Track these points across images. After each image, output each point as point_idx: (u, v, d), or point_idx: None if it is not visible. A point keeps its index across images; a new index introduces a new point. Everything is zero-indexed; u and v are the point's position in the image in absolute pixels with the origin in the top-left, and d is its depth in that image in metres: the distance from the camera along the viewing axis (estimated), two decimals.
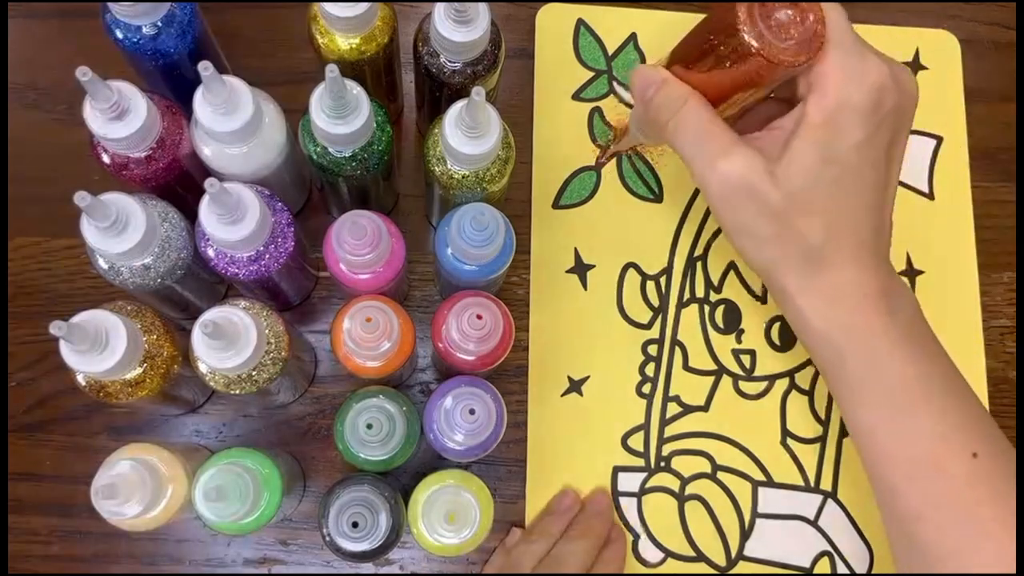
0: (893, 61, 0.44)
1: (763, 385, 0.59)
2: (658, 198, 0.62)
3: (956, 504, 0.43)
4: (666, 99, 0.45)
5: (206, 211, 0.44)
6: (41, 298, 0.57)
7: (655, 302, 0.60)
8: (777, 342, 0.60)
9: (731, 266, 0.61)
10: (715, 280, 0.61)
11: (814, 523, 0.58)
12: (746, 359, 0.60)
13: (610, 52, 0.64)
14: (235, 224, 0.44)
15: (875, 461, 0.46)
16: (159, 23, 0.48)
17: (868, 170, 0.44)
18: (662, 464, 0.58)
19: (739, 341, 0.60)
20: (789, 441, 0.59)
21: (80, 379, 0.47)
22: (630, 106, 0.62)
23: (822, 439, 0.59)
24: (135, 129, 0.45)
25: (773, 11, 0.41)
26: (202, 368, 0.47)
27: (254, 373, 0.47)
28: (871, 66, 0.42)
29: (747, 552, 0.57)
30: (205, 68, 0.42)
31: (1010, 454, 0.45)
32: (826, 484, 0.58)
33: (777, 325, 0.60)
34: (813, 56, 0.42)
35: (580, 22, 0.64)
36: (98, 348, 0.42)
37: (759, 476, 0.58)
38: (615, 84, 0.63)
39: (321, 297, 0.59)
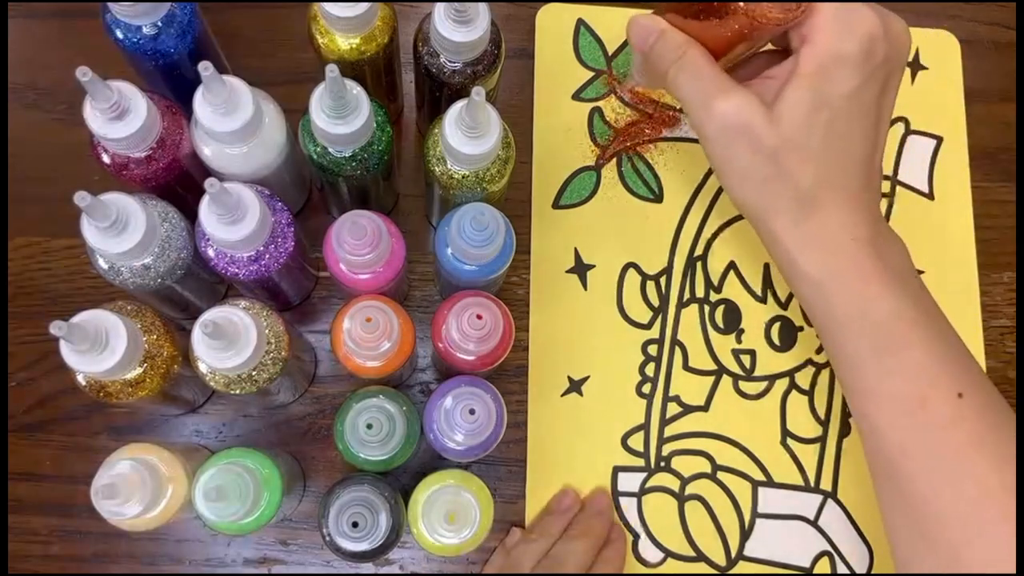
0: (885, 11, 0.45)
1: (763, 385, 0.59)
2: (658, 198, 0.62)
3: (941, 443, 0.44)
4: (665, 48, 0.46)
5: (206, 211, 0.44)
6: (41, 298, 0.57)
7: (655, 302, 0.60)
8: (777, 342, 0.60)
9: (731, 266, 0.61)
10: (715, 280, 0.61)
11: (814, 523, 0.58)
12: (746, 359, 0.60)
13: (610, 52, 0.64)
14: (235, 224, 0.44)
15: (861, 401, 0.46)
16: (159, 23, 0.48)
17: (859, 118, 0.45)
18: (662, 464, 0.58)
19: (739, 341, 0.60)
20: (789, 441, 0.59)
21: (80, 379, 0.47)
22: (631, 106, 0.62)
23: (822, 439, 0.59)
24: (135, 129, 0.45)
25: None
26: (202, 368, 0.47)
27: (254, 373, 0.47)
28: (862, 16, 0.43)
29: (747, 552, 0.57)
30: (205, 68, 0.42)
31: (994, 395, 0.45)
32: (826, 484, 0.58)
33: (777, 325, 0.60)
34: (799, 14, 0.42)
35: (580, 22, 0.64)
36: (98, 348, 0.42)
37: (759, 476, 0.58)
38: (615, 83, 0.63)
39: (321, 297, 0.59)
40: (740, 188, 0.46)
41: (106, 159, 0.48)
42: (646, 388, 0.59)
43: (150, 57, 0.49)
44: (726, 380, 0.59)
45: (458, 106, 0.46)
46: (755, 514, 0.58)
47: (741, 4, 0.41)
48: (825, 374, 0.60)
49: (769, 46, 0.48)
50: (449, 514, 0.48)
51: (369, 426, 0.46)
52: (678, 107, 0.62)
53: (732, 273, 0.61)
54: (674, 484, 0.58)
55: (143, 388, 0.46)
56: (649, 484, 0.58)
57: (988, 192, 0.64)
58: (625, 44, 0.64)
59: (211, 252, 0.47)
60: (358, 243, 0.45)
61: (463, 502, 0.49)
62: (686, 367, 0.59)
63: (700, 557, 0.57)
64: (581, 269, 0.60)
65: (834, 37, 0.43)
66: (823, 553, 0.57)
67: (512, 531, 0.56)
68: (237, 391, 0.47)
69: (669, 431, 0.58)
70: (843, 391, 0.48)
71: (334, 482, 0.49)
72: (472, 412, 0.46)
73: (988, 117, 0.65)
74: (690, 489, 0.58)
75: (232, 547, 0.56)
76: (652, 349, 0.59)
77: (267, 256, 0.47)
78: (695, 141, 0.62)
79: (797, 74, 0.44)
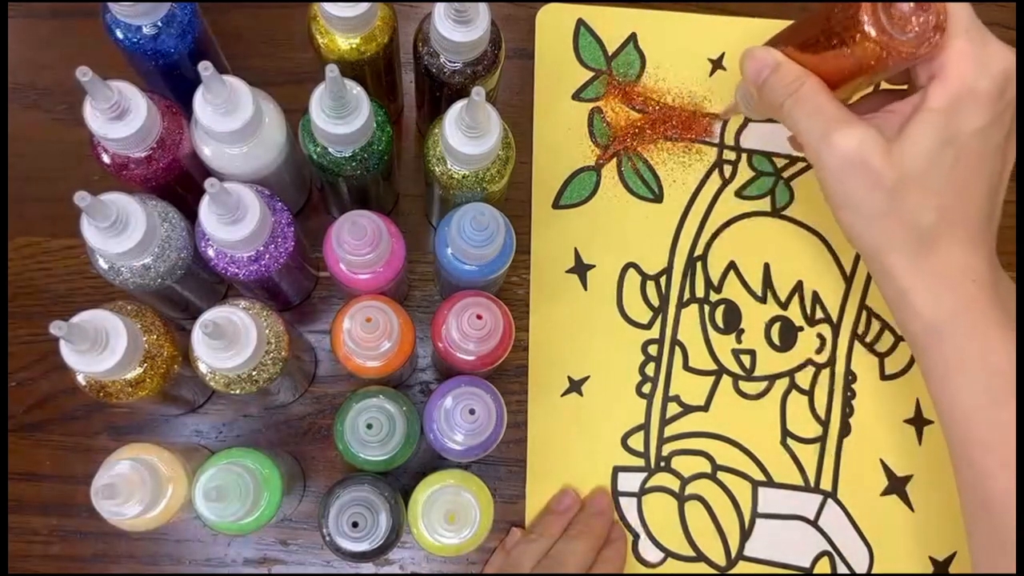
0: (1014, 49, 0.44)
1: (763, 385, 0.59)
2: (658, 198, 0.62)
3: None
4: (781, 81, 0.45)
5: (206, 211, 0.44)
6: (41, 298, 0.57)
7: (655, 302, 0.60)
8: (777, 342, 0.60)
9: (731, 266, 0.61)
10: (715, 280, 0.61)
11: (814, 523, 0.58)
12: (746, 359, 0.60)
13: (610, 52, 0.64)
14: (235, 224, 0.44)
15: (968, 446, 0.45)
16: (159, 23, 0.48)
17: (987, 156, 0.44)
18: (662, 464, 0.58)
19: (739, 341, 0.60)
20: (789, 441, 0.59)
21: (80, 379, 0.47)
22: (633, 107, 0.63)
23: (822, 439, 0.59)
24: (135, 129, 0.45)
25: (895, 2, 0.41)
26: (202, 368, 0.47)
27: (254, 373, 0.47)
28: (997, 53, 0.42)
29: (747, 552, 0.57)
30: (205, 68, 0.42)
31: None
32: (826, 484, 0.58)
33: (777, 325, 0.60)
34: (932, 48, 0.41)
35: (580, 22, 0.64)
36: (98, 348, 0.42)
37: (759, 476, 0.58)
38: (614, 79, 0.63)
39: (321, 297, 0.59)
40: (855, 223, 0.45)
41: (106, 159, 0.48)
42: (646, 388, 0.59)
43: (150, 57, 0.49)
44: (726, 380, 0.59)
45: (458, 106, 0.46)
46: (755, 514, 0.58)
47: (873, 34, 0.40)
48: (825, 374, 0.60)
49: (883, 84, 0.47)
50: (449, 514, 0.48)
51: (369, 426, 0.46)
52: (675, 107, 0.62)
53: (732, 273, 0.61)
54: (674, 484, 0.58)
55: (143, 388, 0.46)
56: (649, 484, 0.58)
57: None
58: (625, 44, 0.64)
59: (211, 252, 0.47)
60: (358, 243, 0.45)
61: (463, 502, 0.49)
62: (686, 367, 0.59)
63: (700, 557, 0.57)
64: (581, 269, 0.60)
65: (969, 73, 0.42)
66: (823, 553, 0.57)
67: (512, 531, 0.56)
68: (237, 391, 0.47)
69: (669, 431, 0.58)
70: (944, 432, 0.46)
71: (334, 482, 0.49)
72: (472, 412, 0.46)
73: None
74: (690, 489, 0.58)
75: (232, 547, 0.56)
76: (652, 349, 0.59)
77: (267, 256, 0.47)
78: (699, 142, 0.62)
79: (925, 108, 0.42)
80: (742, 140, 0.63)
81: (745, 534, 0.57)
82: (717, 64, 0.64)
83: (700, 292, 0.60)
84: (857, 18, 0.41)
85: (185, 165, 0.49)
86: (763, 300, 0.60)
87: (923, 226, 0.43)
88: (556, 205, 0.61)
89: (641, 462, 0.58)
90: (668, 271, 0.61)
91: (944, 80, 0.42)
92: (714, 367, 0.59)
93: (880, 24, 0.41)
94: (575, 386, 0.59)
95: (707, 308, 0.60)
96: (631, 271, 0.60)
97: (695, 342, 0.60)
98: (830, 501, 0.58)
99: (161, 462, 0.47)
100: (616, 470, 0.58)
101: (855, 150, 0.43)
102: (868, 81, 0.44)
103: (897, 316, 0.47)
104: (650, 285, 0.60)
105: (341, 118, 0.45)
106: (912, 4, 0.41)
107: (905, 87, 0.47)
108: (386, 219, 0.49)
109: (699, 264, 0.61)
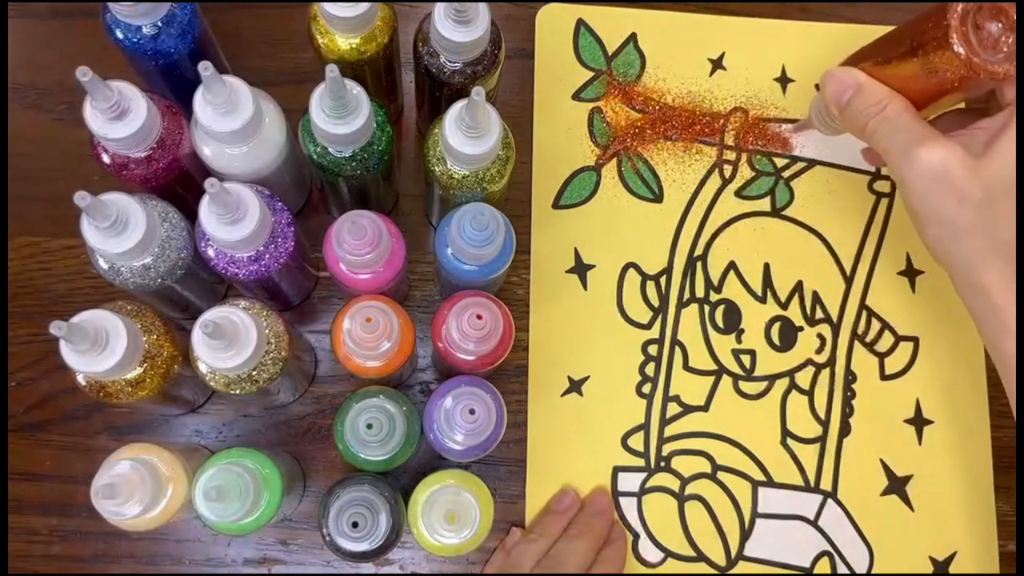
0: None
1: (763, 385, 0.59)
2: (658, 198, 0.62)
3: None
4: (864, 103, 0.45)
5: (206, 211, 0.44)
6: (41, 298, 0.57)
7: (655, 302, 0.60)
8: (777, 342, 0.60)
9: (731, 266, 0.61)
10: (715, 280, 0.61)
11: (814, 523, 0.58)
12: (746, 359, 0.60)
13: (610, 52, 0.64)
14: (235, 224, 0.44)
15: None
16: (159, 23, 0.48)
17: None
18: (662, 464, 0.58)
19: (739, 341, 0.60)
20: (789, 441, 0.59)
21: (80, 379, 0.47)
22: (633, 107, 0.63)
23: (822, 439, 0.59)
24: (135, 129, 0.45)
25: (984, 23, 0.41)
26: (202, 368, 0.47)
27: (254, 373, 0.47)
28: None
29: (747, 552, 0.57)
30: (205, 68, 0.42)
31: None
32: (826, 484, 0.58)
33: (777, 325, 0.60)
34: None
35: (580, 22, 0.64)
36: (98, 348, 0.42)
37: (759, 476, 0.58)
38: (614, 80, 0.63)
39: (321, 297, 0.59)
40: (942, 237, 0.45)
41: (106, 159, 0.48)
42: (646, 388, 0.59)
43: (150, 57, 0.49)
44: (726, 380, 0.59)
45: (458, 106, 0.46)
46: (755, 514, 0.58)
47: (963, 54, 0.40)
48: (825, 374, 0.60)
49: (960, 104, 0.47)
50: (449, 514, 0.48)
51: (369, 426, 0.46)
52: (675, 107, 0.62)
53: (732, 273, 0.61)
54: (674, 484, 0.58)
55: (143, 388, 0.46)
56: (649, 484, 0.58)
57: None
58: (625, 44, 0.64)
59: (211, 252, 0.47)
60: (358, 243, 0.45)
61: (463, 502, 0.49)
62: (686, 367, 0.59)
63: (700, 557, 0.57)
64: (581, 269, 0.60)
65: None
66: (823, 553, 0.57)
67: (512, 531, 0.56)
68: (237, 391, 0.47)
69: (669, 431, 0.58)
70: None
71: (334, 482, 0.49)
72: (472, 412, 0.46)
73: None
74: (690, 489, 0.58)
75: (232, 547, 0.56)
76: (652, 349, 0.59)
77: (267, 256, 0.47)
78: (699, 141, 0.62)
79: (1013, 125, 0.42)
80: (742, 140, 0.63)
81: (745, 534, 0.57)
82: (717, 64, 0.64)
83: (700, 292, 0.60)
84: (946, 39, 0.41)
85: (185, 165, 0.49)
86: (763, 300, 0.60)
87: (1010, 241, 0.43)
88: (556, 205, 0.61)
89: (641, 462, 0.58)
90: (668, 271, 0.61)
91: None
92: (714, 367, 0.59)
93: (971, 45, 0.41)
94: (575, 386, 0.59)
95: (707, 308, 0.60)
96: (631, 271, 0.60)
97: (695, 342, 0.60)
98: (830, 501, 0.58)
99: (161, 462, 0.47)
100: (616, 470, 0.58)
101: (939, 163, 0.43)
102: (952, 101, 0.44)
103: (985, 331, 0.47)
104: (650, 285, 0.60)
105: (341, 118, 0.45)
106: (1000, 26, 0.41)
107: (984, 106, 0.47)
108: (386, 219, 0.49)
109: (699, 264, 0.61)
